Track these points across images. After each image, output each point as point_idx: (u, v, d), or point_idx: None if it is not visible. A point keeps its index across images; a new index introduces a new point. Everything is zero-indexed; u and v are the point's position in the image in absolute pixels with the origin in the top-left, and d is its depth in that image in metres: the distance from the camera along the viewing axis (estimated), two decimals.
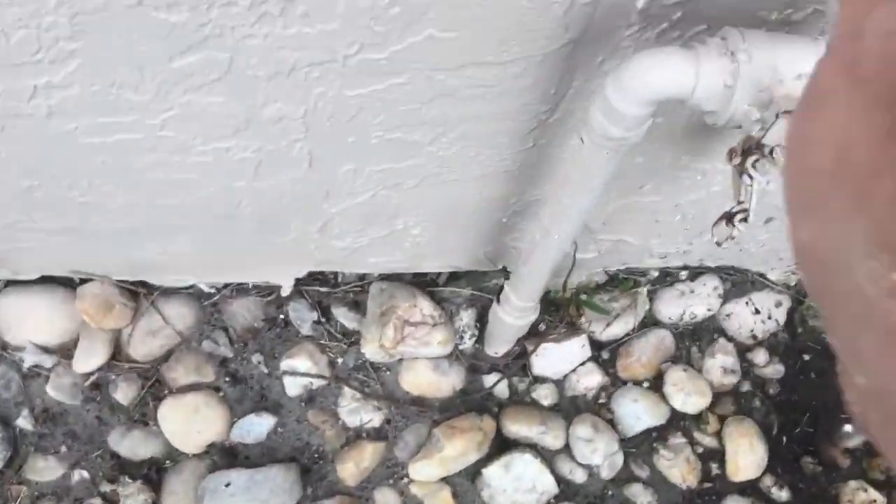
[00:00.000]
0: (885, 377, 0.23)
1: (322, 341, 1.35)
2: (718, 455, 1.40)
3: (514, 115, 0.85)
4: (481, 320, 1.37)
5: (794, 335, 1.48)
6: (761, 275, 1.44)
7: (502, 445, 1.36)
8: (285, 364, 1.33)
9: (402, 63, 0.74)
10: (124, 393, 1.30)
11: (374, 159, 0.92)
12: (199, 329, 1.32)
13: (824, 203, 0.24)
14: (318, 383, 1.34)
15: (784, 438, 1.43)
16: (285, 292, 1.31)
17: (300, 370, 1.33)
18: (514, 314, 1.20)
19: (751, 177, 0.69)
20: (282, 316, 1.35)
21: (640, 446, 1.40)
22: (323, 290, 1.35)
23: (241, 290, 1.33)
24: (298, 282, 1.31)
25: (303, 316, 1.34)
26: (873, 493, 1.39)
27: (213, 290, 1.32)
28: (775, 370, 1.45)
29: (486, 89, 0.79)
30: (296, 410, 1.35)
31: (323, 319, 1.35)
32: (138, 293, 1.29)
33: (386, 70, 0.75)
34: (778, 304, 1.46)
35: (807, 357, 1.47)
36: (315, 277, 1.34)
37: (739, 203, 0.72)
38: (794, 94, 0.63)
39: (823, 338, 1.47)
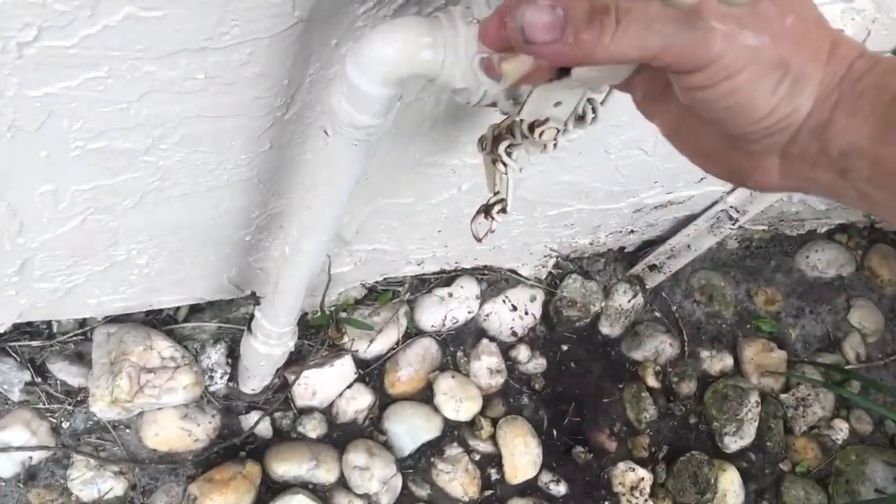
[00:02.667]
0: None
1: (40, 405, 1.14)
2: (496, 459, 1.38)
3: (245, 112, 0.74)
4: (232, 355, 1.23)
5: (551, 327, 1.50)
6: (513, 271, 1.45)
7: (272, 490, 1.22)
8: None
9: (99, 51, 0.61)
10: None
11: (77, 176, 0.76)
12: None
13: None
14: (39, 456, 1.12)
15: (555, 431, 1.45)
16: None
17: (14, 444, 1.10)
18: (269, 342, 1.08)
19: (504, 164, 0.65)
20: None
21: (417, 464, 1.33)
22: (35, 343, 1.13)
23: None
24: (1, 337, 1.09)
25: (10, 378, 1.11)
26: (641, 472, 1.44)
27: None
28: (537, 364, 1.46)
29: (208, 81, 0.68)
30: (14, 493, 1.12)
31: (38, 379, 1.13)
32: None
33: (78, 61, 0.61)
34: (532, 299, 1.47)
35: (565, 347, 1.50)
36: (23, 330, 1.12)
37: (496, 193, 0.68)
38: None
39: (578, 327, 1.50)
